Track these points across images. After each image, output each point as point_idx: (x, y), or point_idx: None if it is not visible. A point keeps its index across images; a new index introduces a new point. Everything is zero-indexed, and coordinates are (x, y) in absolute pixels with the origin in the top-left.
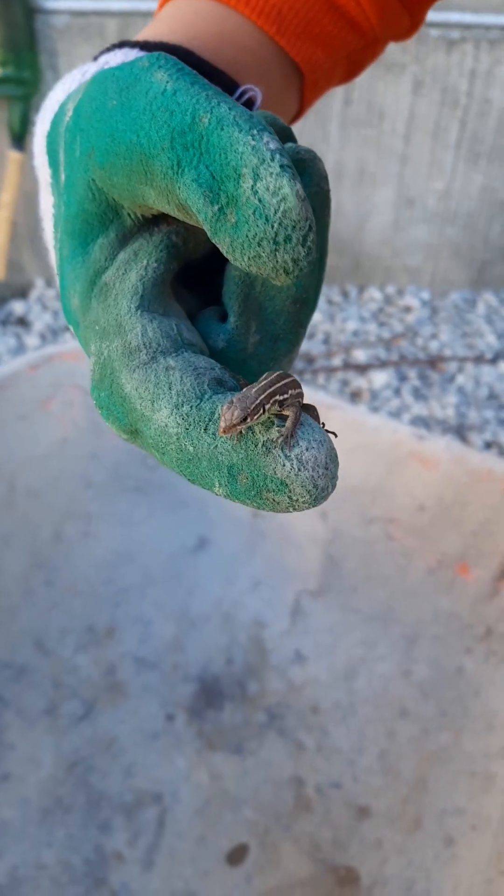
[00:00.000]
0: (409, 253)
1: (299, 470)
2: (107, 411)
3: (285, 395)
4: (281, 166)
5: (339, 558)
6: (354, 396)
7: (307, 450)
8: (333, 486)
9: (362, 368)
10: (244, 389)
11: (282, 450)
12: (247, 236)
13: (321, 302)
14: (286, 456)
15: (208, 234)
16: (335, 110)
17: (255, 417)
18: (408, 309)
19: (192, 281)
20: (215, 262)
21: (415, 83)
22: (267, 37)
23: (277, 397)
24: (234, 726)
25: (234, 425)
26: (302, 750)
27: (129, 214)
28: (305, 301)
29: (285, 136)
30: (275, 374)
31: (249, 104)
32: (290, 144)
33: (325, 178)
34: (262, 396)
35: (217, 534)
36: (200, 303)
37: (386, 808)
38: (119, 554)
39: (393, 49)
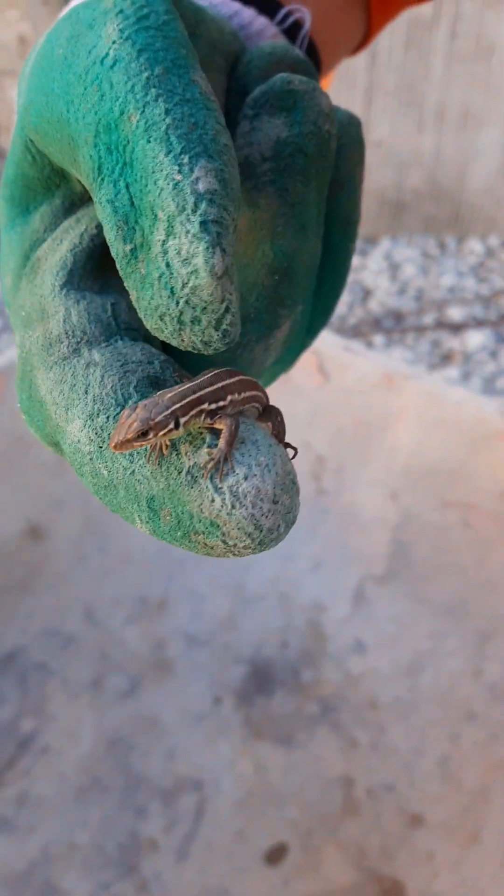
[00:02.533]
0: None
1: (233, 507)
2: (28, 417)
3: (220, 403)
4: (202, 224)
5: (409, 543)
6: (445, 359)
7: (246, 478)
8: (289, 524)
9: (456, 328)
10: (158, 393)
11: (210, 479)
12: (150, 303)
13: (415, 254)
14: (216, 488)
15: (119, 272)
16: (439, 44)
17: (163, 433)
18: None
19: None
20: None
21: None
22: None
23: (206, 406)
24: (284, 715)
25: (129, 440)
26: (355, 747)
27: (78, 180)
28: (287, 272)
29: (299, 68)
30: (211, 374)
31: (296, 28)
32: (283, 75)
33: (325, 115)
34: (178, 406)
35: None
36: None
37: (442, 819)
38: None
39: None
